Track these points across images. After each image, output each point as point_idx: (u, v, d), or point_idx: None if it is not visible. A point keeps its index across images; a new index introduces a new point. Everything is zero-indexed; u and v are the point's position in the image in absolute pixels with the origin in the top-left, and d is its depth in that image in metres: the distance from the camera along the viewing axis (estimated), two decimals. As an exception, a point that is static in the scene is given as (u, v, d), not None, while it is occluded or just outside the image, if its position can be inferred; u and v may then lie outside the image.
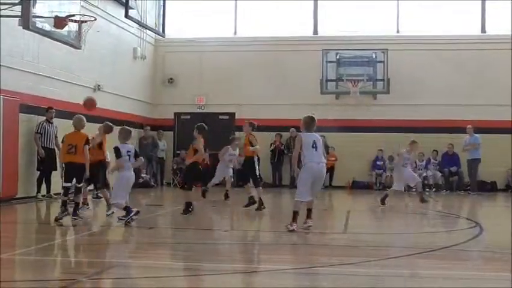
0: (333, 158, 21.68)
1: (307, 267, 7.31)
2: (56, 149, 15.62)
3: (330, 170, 21.02)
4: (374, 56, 22.69)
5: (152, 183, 21.64)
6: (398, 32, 23.24)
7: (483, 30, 22.98)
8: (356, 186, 22.33)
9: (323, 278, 6.87)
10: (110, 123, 12.74)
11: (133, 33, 21.85)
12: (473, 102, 21.89)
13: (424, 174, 21.52)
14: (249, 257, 8.46)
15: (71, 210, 11.02)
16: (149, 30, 20.54)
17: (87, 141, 11.05)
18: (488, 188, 21.39)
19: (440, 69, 22.31)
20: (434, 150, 22.11)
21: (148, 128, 22.82)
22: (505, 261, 7.98)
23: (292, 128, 21.03)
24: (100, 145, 12.33)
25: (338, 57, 22.91)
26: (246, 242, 9.70)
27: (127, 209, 10.61)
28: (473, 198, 19.41)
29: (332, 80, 22.84)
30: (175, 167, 22.63)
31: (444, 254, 8.44)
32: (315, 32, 23.74)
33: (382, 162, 22.49)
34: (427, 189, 20.99)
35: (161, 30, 20.38)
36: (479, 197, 19.49)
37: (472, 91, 22.05)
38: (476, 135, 20.75)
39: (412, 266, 7.56)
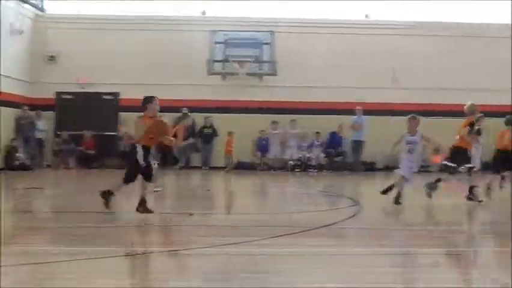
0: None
1: (190, 248, 7.20)
2: None
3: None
4: (261, 37, 22.84)
5: (30, 165, 20.64)
6: (285, 14, 23.40)
7: (367, 15, 23.62)
8: (241, 167, 22.41)
9: (206, 258, 6.78)
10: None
11: (10, 7, 20.72)
12: (360, 85, 22.41)
13: (308, 155, 21.99)
14: (132, 240, 8.23)
15: None
16: (28, 4, 19.56)
17: None
18: (368, 168, 22.07)
19: (326, 52, 22.68)
20: (317, 132, 22.54)
21: (26, 107, 21.75)
22: (381, 238, 8.28)
23: (185, 108, 20.91)
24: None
25: (225, 38, 22.86)
26: (130, 224, 9.44)
27: None
28: (355, 178, 20.00)
29: (219, 61, 22.77)
30: (56, 149, 21.82)
31: (325, 231, 8.60)
32: (203, 12, 23.50)
33: (265, 145, 22.68)
34: (310, 170, 21.49)
35: (41, 4, 19.48)
36: (360, 177, 20.12)
37: (358, 74, 22.55)
38: (364, 116, 21.38)
39: (293, 245, 7.60)
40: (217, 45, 22.73)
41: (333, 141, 22.49)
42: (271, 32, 22.71)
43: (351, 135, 21.75)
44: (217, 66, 22.82)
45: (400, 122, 21.55)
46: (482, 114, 13.34)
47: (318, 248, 7.38)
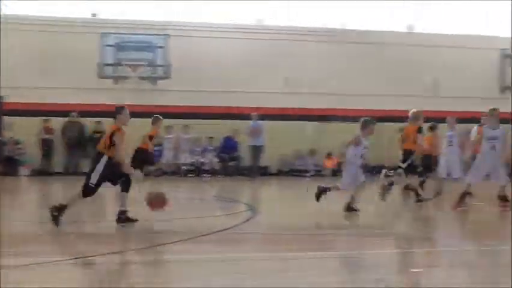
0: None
1: (79, 257, 6.91)
2: None
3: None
4: (155, 41, 22.55)
5: None
6: (179, 17, 23.20)
7: (259, 20, 23.80)
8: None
9: (93, 268, 6.53)
10: None
11: None
12: (253, 89, 22.49)
13: (201, 160, 21.89)
14: (15, 250, 7.78)
15: None
16: None
17: None
18: (262, 172, 22.21)
19: (221, 56, 22.66)
20: (210, 137, 22.45)
21: None
22: (277, 242, 8.29)
23: (73, 113, 20.42)
24: None
25: (117, 41, 22.39)
26: (14, 232, 8.95)
27: None
28: (250, 182, 20.06)
29: (110, 64, 22.27)
30: None
31: (220, 237, 8.52)
32: (94, 14, 22.88)
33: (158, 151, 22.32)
34: (204, 175, 21.41)
35: None
36: (255, 182, 20.21)
37: (252, 78, 22.64)
38: (260, 122, 21.55)
39: (186, 251, 7.48)
40: (109, 48, 22.21)
41: (227, 146, 22.47)
42: (166, 36, 22.45)
43: (249, 140, 21.80)
44: (109, 70, 22.31)
45: (293, 127, 22.37)
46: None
47: (213, 254, 7.29)
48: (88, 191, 9.12)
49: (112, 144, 9.14)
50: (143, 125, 21.75)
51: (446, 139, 15.04)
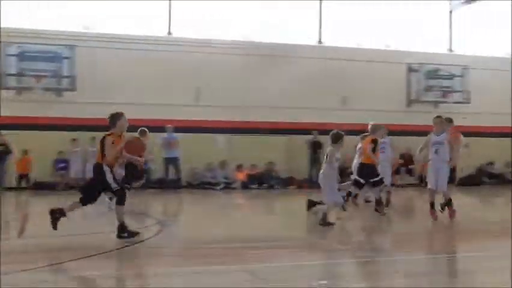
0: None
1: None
2: None
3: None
4: (60, 51, 21.74)
5: None
6: (86, 28, 22.52)
7: (169, 32, 23.45)
8: (39, 187, 21.01)
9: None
10: None
11: None
12: (167, 101, 22.08)
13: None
14: None
15: None
16: None
17: None
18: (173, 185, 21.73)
19: (129, 67, 22.06)
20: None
21: None
22: (183, 256, 7.98)
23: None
24: None
25: (20, 50, 21.44)
26: None
27: None
28: (161, 195, 19.60)
29: (13, 75, 21.28)
30: None
31: (126, 252, 8.13)
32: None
33: (65, 164, 21.57)
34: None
35: None
36: (164, 194, 19.78)
37: (162, 91, 22.15)
38: (175, 134, 21.21)
39: (89, 268, 7.05)
40: (11, 57, 21.22)
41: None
42: (72, 46, 21.67)
43: (163, 152, 21.33)
44: (12, 80, 21.31)
45: (203, 139, 22.08)
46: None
47: (127, 270, 6.91)
48: (121, 196, 8.97)
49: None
50: (49, 137, 21.08)
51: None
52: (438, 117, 12.42)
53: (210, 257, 8.19)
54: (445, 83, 25.08)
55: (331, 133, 11.30)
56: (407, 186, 23.44)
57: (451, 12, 26.13)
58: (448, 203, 12.07)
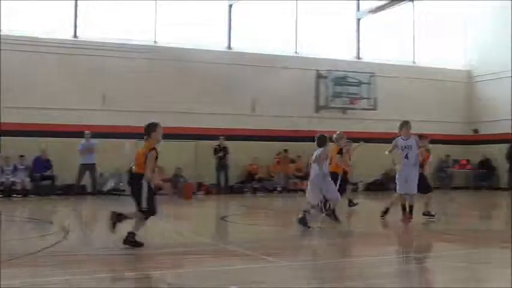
0: None
1: None
2: None
3: None
4: None
5: None
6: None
7: (75, 35, 22.74)
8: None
9: None
10: None
11: None
12: (73, 106, 21.52)
13: (12, 180, 20.35)
14: None
15: None
16: None
17: None
18: (79, 191, 21.05)
19: (30, 71, 21.24)
20: (21, 155, 20.93)
21: None
22: (84, 264, 7.68)
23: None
24: None
25: None
26: None
27: None
28: (68, 202, 18.97)
29: None
30: None
31: (29, 260, 7.74)
32: None
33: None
34: (15, 195, 19.92)
35: None
36: (72, 201, 19.19)
37: (67, 95, 21.50)
38: (93, 140, 20.74)
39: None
40: None
41: (38, 165, 21.05)
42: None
43: (80, 158, 20.69)
44: None
45: (111, 145, 21.48)
46: (349, 141, 14.54)
47: (17, 279, 6.51)
48: (148, 215, 8.72)
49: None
50: None
51: None
52: (406, 122, 12.60)
53: (117, 263, 7.95)
54: (353, 89, 25.54)
55: (316, 137, 11.92)
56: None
57: (358, 20, 26.70)
58: (411, 208, 12.32)
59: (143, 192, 8.60)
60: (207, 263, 8.16)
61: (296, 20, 25.44)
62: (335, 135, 13.38)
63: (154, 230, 10.23)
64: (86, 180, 21.17)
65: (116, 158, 21.57)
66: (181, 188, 21.33)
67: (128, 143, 22.13)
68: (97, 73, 21.92)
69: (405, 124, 12.55)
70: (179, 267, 7.81)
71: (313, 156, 11.71)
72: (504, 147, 25.55)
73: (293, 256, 8.88)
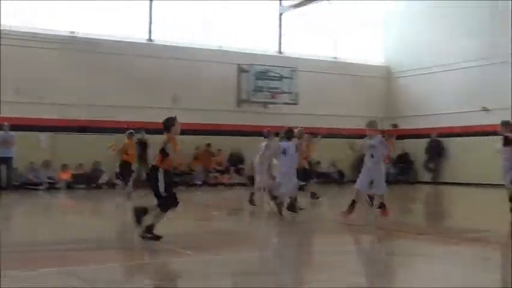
0: None
1: None
2: None
3: None
4: None
5: None
6: None
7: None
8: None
9: None
10: None
11: None
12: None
13: None
14: None
15: None
16: None
17: None
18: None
19: None
20: None
21: None
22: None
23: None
24: None
25: None
26: None
27: None
28: None
29: None
30: None
31: None
32: None
33: None
34: None
35: None
36: None
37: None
38: (11, 132, 20.03)
39: None
40: None
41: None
42: None
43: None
44: None
45: (25, 138, 20.64)
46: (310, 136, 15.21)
47: None
48: (166, 203, 8.85)
49: (165, 156, 8.85)
50: None
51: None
52: (371, 121, 12.52)
53: (32, 260, 7.61)
54: (274, 84, 25.52)
55: (284, 131, 12.81)
56: (237, 185, 23.61)
57: (280, 14, 26.69)
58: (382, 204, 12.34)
59: (160, 181, 8.79)
60: (124, 257, 7.87)
61: (216, 13, 25.14)
62: (296, 131, 13.52)
63: (74, 225, 9.86)
64: (3, 173, 20.31)
65: (31, 151, 20.82)
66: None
67: (44, 136, 21.47)
68: (10, 63, 20.93)
69: (369, 124, 12.47)
70: (99, 262, 7.47)
71: (282, 149, 12.49)
72: (423, 141, 26.20)
73: (212, 250, 8.69)
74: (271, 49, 26.59)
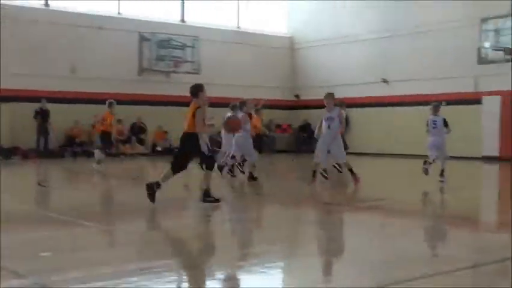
0: None
1: None
2: None
3: None
4: None
5: None
6: None
7: None
8: None
9: None
10: None
11: None
12: None
13: None
14: None
15: None
16: None
17: None
18: None
19: None
20: None
21: None
22: None
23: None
24: None
25: None
26: None
27: None
28: None
29: None
30: None
31: None
32: None
33: None
34: None
35: None
36: None
37: None
38: None
39: None
40: None
41: None
42: None
43: None
44: None
45: None
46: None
47: None
48: (211, 162, 9.50)
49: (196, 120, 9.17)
50: None
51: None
52: (330, 93, 12.74)
53: None
54: (177, 53, 25.12)
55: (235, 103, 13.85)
56: (139, 155, 23.24)
57: (182, -17, 26.22)
58: (351, 170, 12.60)
59: (202, 145, 9.24)
60: (25, 231, 7.52)
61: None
62: (248, 101, 14.29)
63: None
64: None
65: None
66: None
67: None
68: None
69: (327, 96, 12.65)
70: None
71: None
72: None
73: (114, 221, 8.50)
74: (173, 17, 26.10)
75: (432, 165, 13.37)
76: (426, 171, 13.34)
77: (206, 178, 9.45)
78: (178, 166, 9.37)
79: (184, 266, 5.89)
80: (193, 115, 9.16)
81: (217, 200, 9.39)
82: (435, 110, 13.58)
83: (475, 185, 14.69)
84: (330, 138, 12.49)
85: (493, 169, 19.71)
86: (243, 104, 13.88)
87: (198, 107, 9.21)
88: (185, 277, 5.58)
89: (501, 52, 20.96)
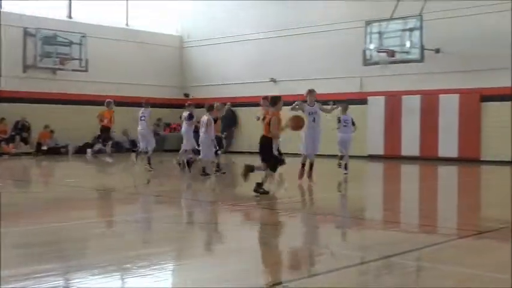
0: None
1: None
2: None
3: None
4: None
5: None
6: None
7: None
8: None
9: None
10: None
11: None
12: None
13: None
14: None
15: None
16: None
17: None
18: None
19: None
20: None
21: None
22: None
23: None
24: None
25: None
26: None
27: None
28: None
29: None
30: None
31: None
32: None
33: None
34: None
35: None
36: None
37: None
38: None
39: None
40: None
41: None
42: None
43: None
44: None
45: None
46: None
47: None
48: (276, 164, 10.88)
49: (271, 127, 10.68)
50: None
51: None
52: (311, 90, 13.44)
53: None
54: (63, 49, 24.49)
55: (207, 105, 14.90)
56: (23, 154, 22.55)
57: (70, -22, 25.61)
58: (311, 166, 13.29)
59: (274, 148, 10.75)
60: None
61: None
62: (215, 105, 15.36)
63: None
64: None
65: None
66: None
67: None
68: None
69: (310, 92, 13.40)
70: None
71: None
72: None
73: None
74: (60, 14, 25.45)
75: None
76: (340, 166, 15.26)
77: (266, 176, 10.74)
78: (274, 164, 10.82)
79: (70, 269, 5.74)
80: (269, 123, 10.67)
81: (267, 192, 10.59)
82: (345, 110, 15.26)
83: (362, 184, 15.14)
84: (315, 132, 13.24)
85: (378, 167, 20.40)
86: (210, 107, 14.85)
87: (274, 116, 10.68)
88: (70, 281, 5.41)
89: (384, 54, 21.73)
